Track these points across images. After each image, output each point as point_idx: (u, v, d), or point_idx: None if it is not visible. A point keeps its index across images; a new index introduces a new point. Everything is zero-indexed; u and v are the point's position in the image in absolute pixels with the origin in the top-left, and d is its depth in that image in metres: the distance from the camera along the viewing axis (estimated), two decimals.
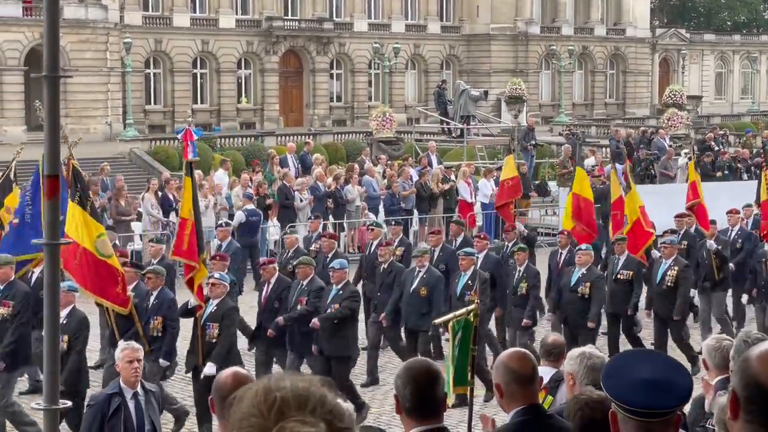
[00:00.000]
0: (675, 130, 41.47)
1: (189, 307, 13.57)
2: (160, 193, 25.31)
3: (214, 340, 13.36)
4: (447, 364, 7.62)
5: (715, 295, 18.42)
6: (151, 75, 56.38)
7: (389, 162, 32.19)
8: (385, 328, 16.39)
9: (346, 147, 43.45)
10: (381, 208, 27.76)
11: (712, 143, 37.38)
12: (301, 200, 26.16)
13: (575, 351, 7.33)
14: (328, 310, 14.52)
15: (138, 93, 52.87)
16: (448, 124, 42.33)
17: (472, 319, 7.69)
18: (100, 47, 49.83)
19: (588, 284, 15.95)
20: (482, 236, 18.54)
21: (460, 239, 19.46)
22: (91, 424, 9.45)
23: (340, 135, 48.06)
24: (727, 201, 21.81)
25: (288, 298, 15.02)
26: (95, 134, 46.74)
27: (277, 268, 15.71)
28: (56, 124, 5.55)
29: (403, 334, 16.63)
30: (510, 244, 18.37)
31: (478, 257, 16.83)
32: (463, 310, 7.88)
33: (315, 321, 14.52)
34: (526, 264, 16.74)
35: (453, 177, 29.08)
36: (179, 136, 33.13)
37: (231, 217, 25.67)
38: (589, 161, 33.89)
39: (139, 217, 25.02)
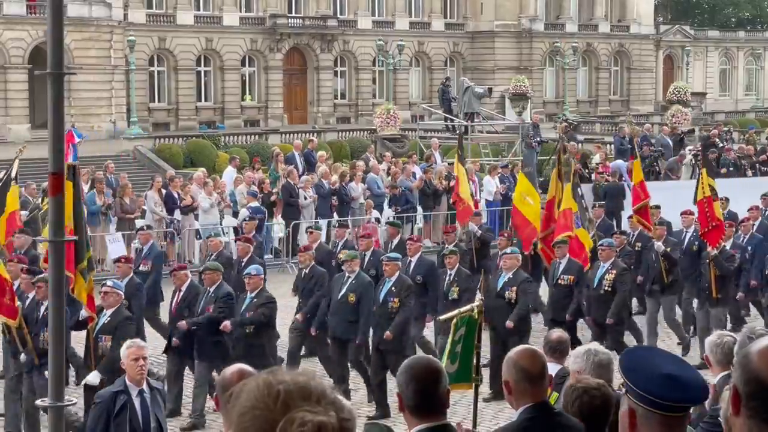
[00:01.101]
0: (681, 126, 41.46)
1: (81, 318, 12.74)
2: (164, 191, 25.33)
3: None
4: (443, 358, 7.61)
5: (665, 299, 17.58)
6: (155, 73, 56.37)
7: (394, 159, 32.20)
8: (314, 336, 15.43)
9: (350, 144, 43.42)
10: (386, 206, 27.76)
11: (717, 140, 37.29)
12: (305, 198, 26.14)
13: (580, 348, 7.30)
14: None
15: (142, 91, 52.84)
16: (452, 121, 42.32)
17: (476, 317, 7.68)
18: (104, 45, 49.79)
19: (514, 289, 15.22)
20: (415, 239, 17.77)
21: (396, 241, 18.70)
22: (97, 422, 9.43)
23: (344, 132, 48.02)
24: (732, 198, 21.65)
25: (196, 305, 14.22)
26: (99, 132, 46.70)
27: (189, 275, 14.95)
28: (61, 122, 5.56)
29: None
30: (449, 247, 17.45)
31: (411, 261, 16.31)
32: (468, 307, 7.86)
33: (227, 323, 13.70)
34: (457, 267, 16.02)
35: None
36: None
37: (235, 214, 25.71)
38: (595, 158, 33.86)
39: (143, 215, 25.05)
